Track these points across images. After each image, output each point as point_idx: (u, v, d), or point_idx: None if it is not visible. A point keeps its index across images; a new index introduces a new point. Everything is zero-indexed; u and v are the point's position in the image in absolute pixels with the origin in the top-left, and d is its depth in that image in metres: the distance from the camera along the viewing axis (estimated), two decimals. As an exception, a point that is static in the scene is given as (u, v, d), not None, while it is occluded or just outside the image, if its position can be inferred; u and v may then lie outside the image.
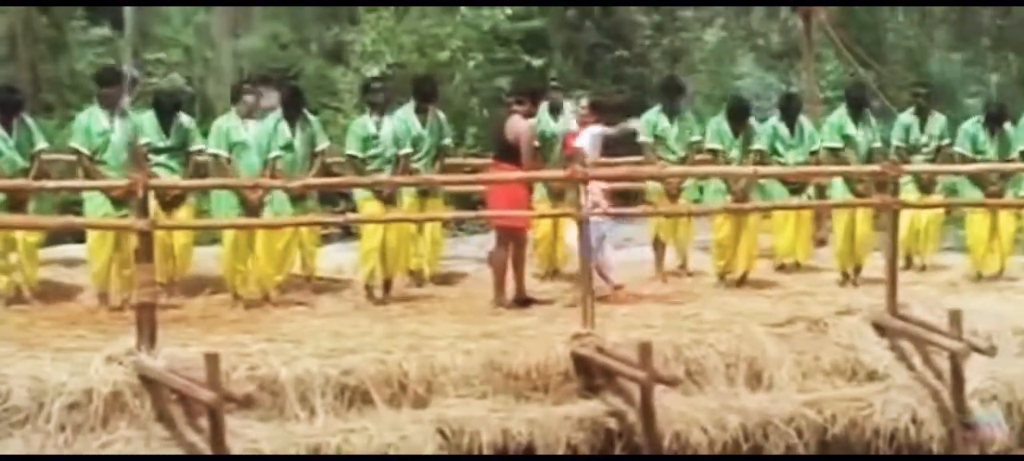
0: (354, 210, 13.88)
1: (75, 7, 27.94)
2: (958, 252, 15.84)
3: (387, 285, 13.17)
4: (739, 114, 14.34)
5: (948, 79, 28.72)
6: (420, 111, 13.73)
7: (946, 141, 14.90)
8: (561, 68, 27.55)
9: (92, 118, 12.66)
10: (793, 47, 26.04)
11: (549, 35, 28.12)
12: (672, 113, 14.67)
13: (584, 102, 13.97)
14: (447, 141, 14.04)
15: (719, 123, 14.33)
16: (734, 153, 14.11)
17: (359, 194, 13.50)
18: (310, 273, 13.60)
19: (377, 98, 13.47)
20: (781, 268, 14.80)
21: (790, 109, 14.77)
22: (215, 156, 12.92)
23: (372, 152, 13.17)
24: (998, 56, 30.51)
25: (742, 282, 13.87)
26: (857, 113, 14.43)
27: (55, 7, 27.10)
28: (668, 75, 16.97)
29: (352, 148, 13.23)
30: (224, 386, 9.01)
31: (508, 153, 12.61)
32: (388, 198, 13.12)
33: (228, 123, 13.06)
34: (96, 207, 12.31)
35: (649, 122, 14.68)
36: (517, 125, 12.63)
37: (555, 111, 14.50)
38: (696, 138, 14.47)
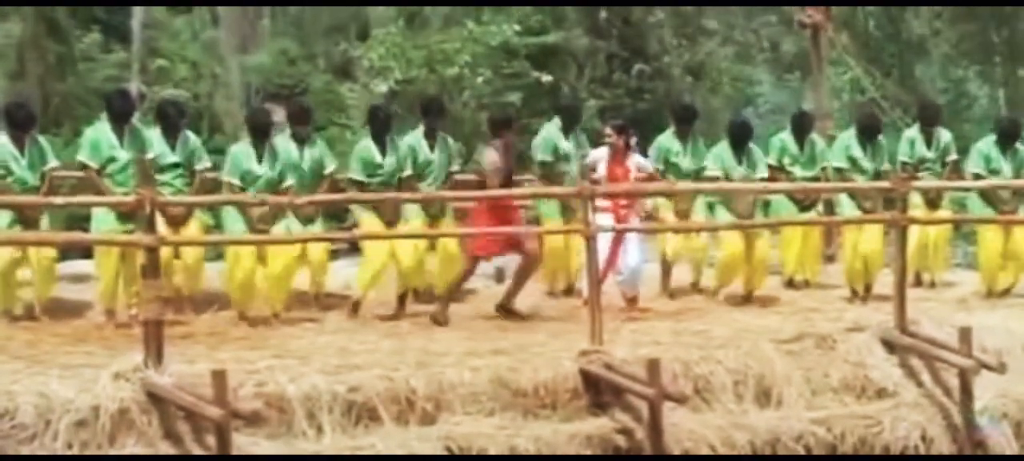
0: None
1: (83, 24, 27.99)
2: (967, 269, 15.79)
3: (402, 301, 13.12)
4: (740, 139, 14.33)
5: (962, 92, 28.80)
6: (429, 136, 13.69)
7: (953, 156, 14.83)
8: (573, 82, 27.54)
9: (100, 133, 12.63)
10: (807, 58, 26.07)
11: (563, 48, 28.10)
12: (685, 137, 14.61)
13: (609, 130, 13.83)
14: (455, 167, 13.97)
15: (722, 150, 14.31)
16: (736, 178, 14.09)
17: (362, 216, 13.42)
18: (318, 290, 13.54)
19: (379, 124, 13.43)
20: (790, 284, 14.76)
21: (802, 126, 14.76)
22: (229, 185, 12.82)
23: (378, 176, 13.14)
24: (1007, 70, 30.54)
25: (748, 299, 13.82)
26: (867, 140, 14.38)
27: (63, 24, 27.13)
28: (683, 104, 16.65)
29: (356, 173, 13.19)
30: (231, 403, 8.98)
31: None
32: (389, 222, 13.06)
33: (241, 151, 12.99)
34: (99, 223, 12.27)
35: (662, 148, 14.60)
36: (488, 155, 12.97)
37: (568, 129, 14.55)
38: (706, 164, 14.43)
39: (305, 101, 15.65)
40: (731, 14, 30.44)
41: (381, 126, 13.41)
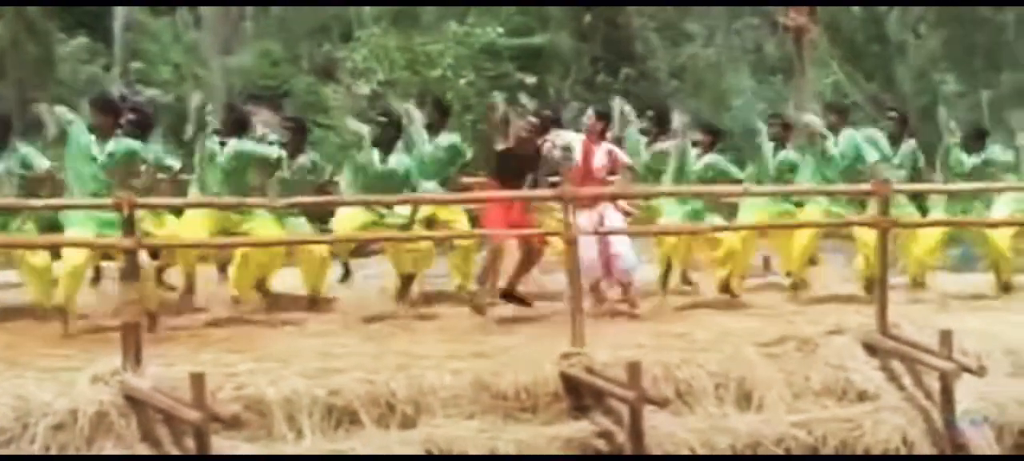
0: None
1: (67, 28, 27.87)
2: (949, 271, 15.80)
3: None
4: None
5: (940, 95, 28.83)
6: (430, 130, 13.72)
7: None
8: (558, 85, 27.54)
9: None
10: (790, 61, 26.11)
11: (549, 49, 28.08)
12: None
13: (590, 113, 13.73)
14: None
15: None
16: None
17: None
18: (315, 293, 13.43)
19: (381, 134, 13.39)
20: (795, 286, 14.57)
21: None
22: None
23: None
24: (991, 74, 30.57)
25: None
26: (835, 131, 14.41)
27: (40, 26, 26.99)
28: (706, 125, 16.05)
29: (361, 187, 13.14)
30: (210, 406, 8.97)
31: None
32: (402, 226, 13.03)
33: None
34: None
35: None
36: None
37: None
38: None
39: (303, 119, 15.51)
40: (713, 16, 30.47)
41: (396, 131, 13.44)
